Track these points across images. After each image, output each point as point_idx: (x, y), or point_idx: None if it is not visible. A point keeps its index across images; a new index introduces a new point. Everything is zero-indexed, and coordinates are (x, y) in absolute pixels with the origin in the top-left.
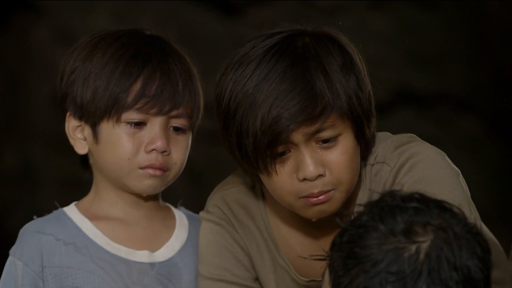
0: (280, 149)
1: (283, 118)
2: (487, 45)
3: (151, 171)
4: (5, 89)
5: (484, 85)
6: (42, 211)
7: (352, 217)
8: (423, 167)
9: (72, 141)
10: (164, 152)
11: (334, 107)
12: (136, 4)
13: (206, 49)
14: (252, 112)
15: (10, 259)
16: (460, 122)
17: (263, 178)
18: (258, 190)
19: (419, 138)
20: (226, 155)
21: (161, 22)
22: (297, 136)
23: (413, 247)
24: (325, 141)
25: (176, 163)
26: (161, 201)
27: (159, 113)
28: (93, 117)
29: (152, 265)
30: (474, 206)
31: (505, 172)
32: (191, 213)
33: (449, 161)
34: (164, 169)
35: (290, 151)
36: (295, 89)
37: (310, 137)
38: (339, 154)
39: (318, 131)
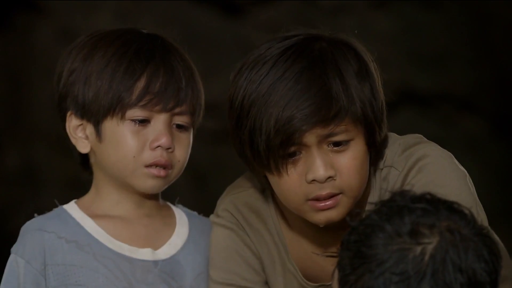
0: (292, 149)
1: (297, 119)
2: (490, 45)
3: (155, 171)
4: (8, 89)
5: (487, 85)
6: (45, 212)
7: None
8: (431, 170)
9: (73, 141)
10: (169, 149)
11: (348, 111)
12: (139, 4)
13: (209, 49)
14: (266, 110)
15: (12, 257)
16: (463, 122)
17: (272, 179)
18: (268, 193)
19: (426, 139)
20: (229, 155)
21: (164, 22)
22: (310, 138)
23: (418, 249)
24: (337, 144)
25: (179, 161)
26: (160, 200)
27: (163, 110)
28: (96, 116)
29: (155, 263)
30: (482, 208)
31: (507, 171)
32: (189, 210)
33: (457, 162)
34: (168, 166)
35: (301, 152)
36: (311, 90)
37: (323, 140)
38: (350, 159)
39: (331, 134)
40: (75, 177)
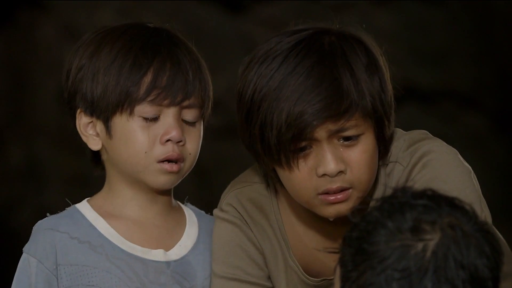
0: (302, 144)
1: (308, 114)
2: (492, 42)
3: (168, 166)
4: (11, 86)
5: (489, 82)
6: (48, 208)
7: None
8: (435, 166)
9: (84, 138)
10: (180, 142)
11: (359, 106)
12: (142, 1)
13: (212, 46)
14: (277, 105)
15: (23, 256)
16: (465, 119)
17: (282, 173)
18: (272, 189)
19: (431, 135)
20: (232, 152)
21: (167, 19)
22: (321, 132)
23: (420, 245)
24: (347, 139)
25: (190, 153)
26: (172, 197)
27: (171, 104)
28: (105, 112)
29: (167, 263)
30: (486, 204)
31: (509, 168)
32: (197, 209)
33: (461, 159)
34: (180, 160)
35: (311, 147)
36: (322, 85)
37: (333, 134)
38: (360, 153)
39: (342, 129)
40: (78, 173)
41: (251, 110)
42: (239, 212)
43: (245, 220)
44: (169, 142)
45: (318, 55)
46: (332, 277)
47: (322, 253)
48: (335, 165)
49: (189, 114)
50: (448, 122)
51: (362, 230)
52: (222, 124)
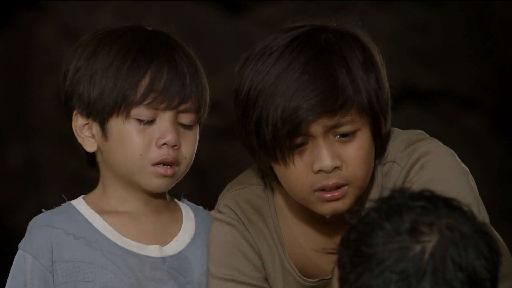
0: (298, 140)
1: (303, 109)
2: (491, 42)
3: (162, 170)
4: (11, 86)
5: (487, 82)
6: (47, 208)
7: (362, 214)
8: (433, 167)
9: (80, 140)
10: (175, 146)
11: (354, 102)
12: (141, 2)
13: (211, 47)
14: (273, 101)
15: (19, 253)
16: (464, 119)
17: (278, 169)
18: (269, 191)
19: (428, 136)
20: (231, 153)
21: (166, 20)
22: (316, 128)
23: (418, 247)
24: (343, 135)
25: (185, 157)
26: (167, 196)
27: (168, 108)
28: (101, 114)
29: (163, 259)
30: (483, 206)
31: (508, 169)
32: (194, 205)
33: (459, 160)
34: (175, 163)
35: (307, 143)
36: (317, 81)
37: (329, 130)
38: (356, 149)
39: (337, 125)
40: (77, 173)
41: (247, 106)
42: (236, 214)
43: (242, 222)
44: (165, 145)
45: (314, 51)
46: (328, 277)
47: (319, 253)
48: (330, 161)
49: (186, 118)
50: (447, 123)
51: (360, 232)
52: (221, 125)
